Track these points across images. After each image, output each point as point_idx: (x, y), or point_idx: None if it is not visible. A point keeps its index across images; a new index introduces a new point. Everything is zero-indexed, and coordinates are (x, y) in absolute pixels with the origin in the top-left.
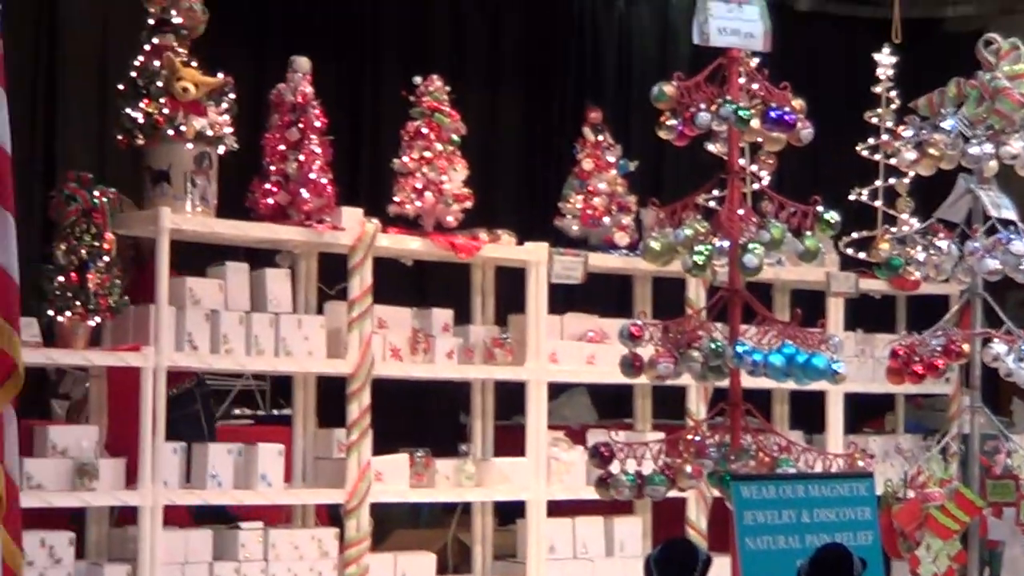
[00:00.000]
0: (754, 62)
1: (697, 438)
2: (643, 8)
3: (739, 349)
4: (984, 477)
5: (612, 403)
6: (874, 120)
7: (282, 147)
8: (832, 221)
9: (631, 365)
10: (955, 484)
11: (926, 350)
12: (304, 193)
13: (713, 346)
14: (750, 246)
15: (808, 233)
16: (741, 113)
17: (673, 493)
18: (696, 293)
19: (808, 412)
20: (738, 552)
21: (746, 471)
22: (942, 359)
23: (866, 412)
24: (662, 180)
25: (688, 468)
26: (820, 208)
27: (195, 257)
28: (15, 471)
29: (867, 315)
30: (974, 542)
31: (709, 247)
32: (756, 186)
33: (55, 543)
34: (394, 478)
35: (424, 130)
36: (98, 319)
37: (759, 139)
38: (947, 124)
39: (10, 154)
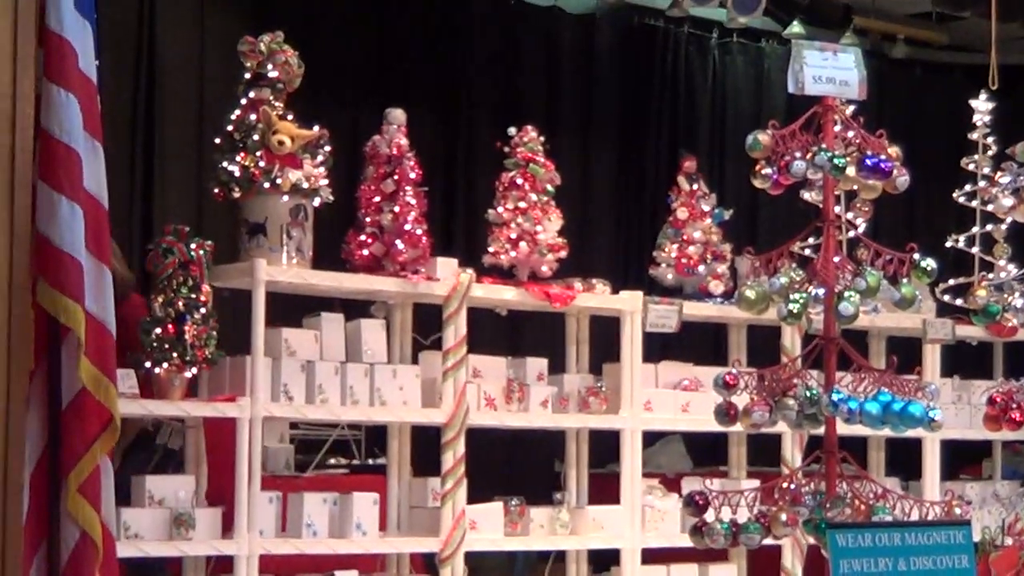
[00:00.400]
0: (849, 110)
1: (792, 486)
2: (737, 56)
3: (835, 397)
4: None
5: (707, 451)
6: (971, 167)
7: (377, 199)
8: (928, 269)
9: (726, 413)
10: None
11: None
12: (399, 244)
13: (808, 394)
14: (846, 294)
15: (904, 281)
16: (836, 161)
17: (768, 541)
18: (791, 341)
19: (905, 459)
20: None
21: (842, 519)
22: None
23: (963, 458)
24: (757, 229)
25: (783, 516)
26: (916, 256)
27: (291, 309)
28: (112, 521)
29: (964, 362)
30: None
31: (804, 295)
32: (852, 234)
33: None
34: (488, 526)
35: (519, 181)
36: (195, 370)
37: (855, 187)
38: None
39: (107, 208)
